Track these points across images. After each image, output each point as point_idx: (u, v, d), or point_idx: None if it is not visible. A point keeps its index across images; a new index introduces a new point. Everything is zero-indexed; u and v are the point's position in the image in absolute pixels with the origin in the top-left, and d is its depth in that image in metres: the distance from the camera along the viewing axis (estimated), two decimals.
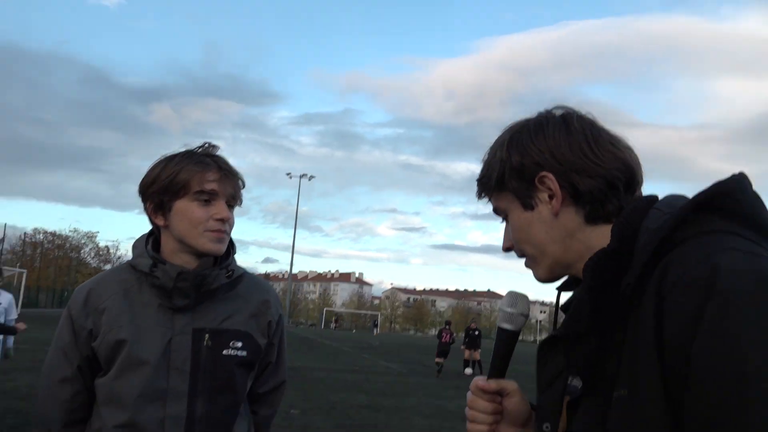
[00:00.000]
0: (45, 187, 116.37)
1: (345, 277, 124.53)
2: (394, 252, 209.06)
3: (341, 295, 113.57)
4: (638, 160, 0.98)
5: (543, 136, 0.96)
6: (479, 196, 1.05)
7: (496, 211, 1.04)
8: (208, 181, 1.53)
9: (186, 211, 1.54)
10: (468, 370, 17.59)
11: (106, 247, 64.61)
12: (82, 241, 61.43)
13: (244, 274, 1.69)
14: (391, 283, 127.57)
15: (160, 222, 1.58)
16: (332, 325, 68.37)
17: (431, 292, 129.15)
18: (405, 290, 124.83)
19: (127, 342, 1.53)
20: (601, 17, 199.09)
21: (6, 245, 46.51)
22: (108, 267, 63.02)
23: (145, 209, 1.60)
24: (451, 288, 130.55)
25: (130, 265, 1.61)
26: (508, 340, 1.08)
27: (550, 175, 0.94)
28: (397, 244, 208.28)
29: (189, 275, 1.53)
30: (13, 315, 7.11)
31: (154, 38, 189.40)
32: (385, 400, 11.02)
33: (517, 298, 1.09)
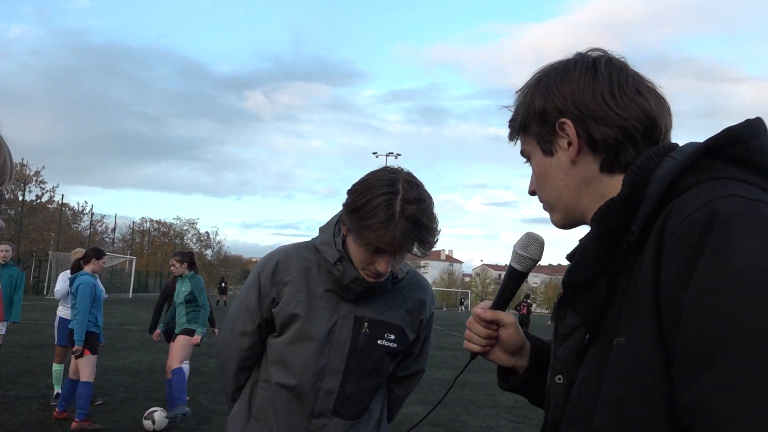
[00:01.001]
0: (150, 177, 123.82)
1: (435, 255, 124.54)
2: (484, 228, 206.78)
3: (431, 273, 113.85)
4: (666, 108, 0.96)
5: (568, 81, 0.95)
6: (510, 137, 1.06)
7: (523, 153, 1.05)
8: (382, 242, 1.56)
9: (355, 248, 1.64)
10: None
11: (207, 233, 68.12)
12: (185, 228, 65.10)
13: (408, 273, 1.81)
14: (482, 260, 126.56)
15: (344, 231, 1.69)
16: None
17: None
18: (496, 267, 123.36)
19: (300, 317, 1.72)
20: None
21: (117, 234, 50.02)
22: (209, 252, 66.26)
23: (341, 216, 1.69)
24: (543, 263, 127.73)
25: (314, 246, 1.77)
26: (514, 278, 1.15)
27: (569, 122, 0.94)
28: (486, 220, 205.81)
29: (362, 283, 1.68)
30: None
31: (244, 26, 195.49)
32: (471, 376, 11.09)
33: (530, 242, 1.12)
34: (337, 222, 1.76)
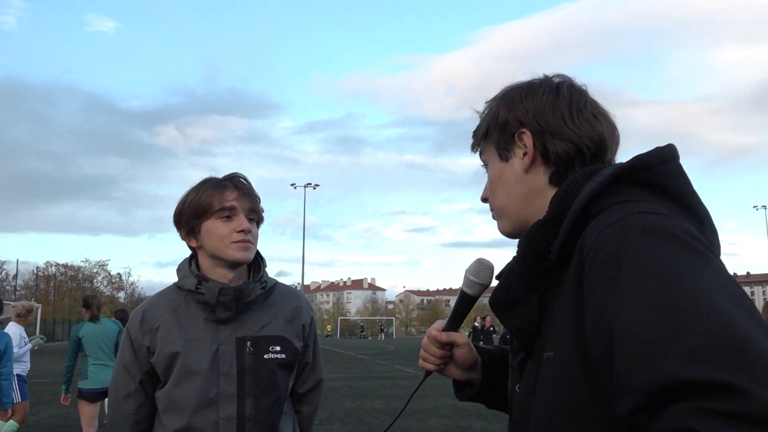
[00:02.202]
0: (55, 219, 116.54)
1: (357, 284, 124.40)
2: (405, 254, 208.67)
3: (355, 302, 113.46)
4: (616, 136, 1.03)
5: (532, 97, 1.02)
6: (473, 148, 1.12)
7: (482, 157, 1.11)
8: (227, 200, 1.74)
9: (212, 229, 1.74)
10: None
11: (119, 274, 64.84)
12: (94, 270, 61.77)
13: (276, 285, 1.87)
14: (404, 286, 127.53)
15: (194, 244, 1.80)
16: (362, 334, 70.57)
17: (445, 291, 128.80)
18: (418, 292, 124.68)
19: (180, 354, 1.71)
20: None
21: (19, 281, 46.84)
22: (121, 294, 63.12)
23: (180, 236, 1.82)
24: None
25: (176, 286, 1.81)
26: (466, 302, 1.19)
27: (528, 133, 1.01)
28: (407, 246, 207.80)
29: (229, 290, 1.72)
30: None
31: (153, 60, 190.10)
32: (401, 404, 11.10)
33: (480, 269, 1.17)
34: (189, 258, 1.84)
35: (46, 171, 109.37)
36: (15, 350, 6.37)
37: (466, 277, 1.18)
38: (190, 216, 1.76)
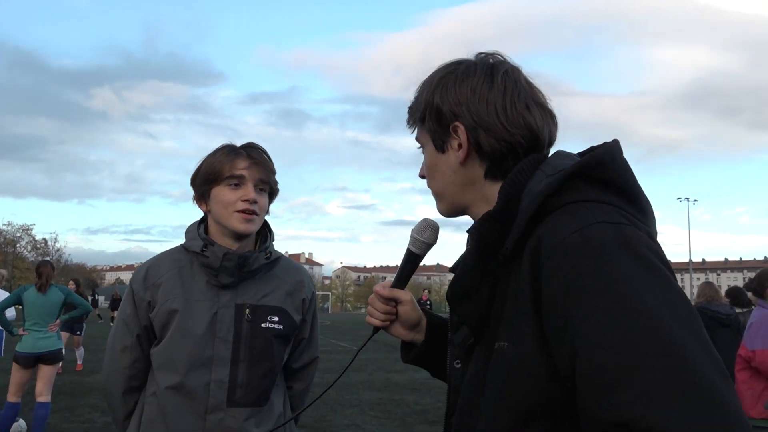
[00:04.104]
0: None
1: (294, 258, 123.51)
2: (344, 230, 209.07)
3: None
4: (550, 122, 1.03)
5: (466, 86, 1.00)
6: (408, 123, 1.12)
7: (418, 140, 1.12)
8: (237, 168, 1.74)
9: (219, 195, 1.75)
10: None
11: (44, 239, 62.27)
12: (18, 235, 59.09)
13: (280, 257, 1.89)
14: (341, 262, 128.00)
15: (204, 208, 1.81)
16: None
17: (382, 269, 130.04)
18: (355, 268, 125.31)
19: (178, 312, 1.72)
20: None
21: None
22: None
23: (193, 198, 1.83)
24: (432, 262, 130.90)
25: (183, 247, 1.83)
26: (412, 260, 1.23)
27: (462, 127, 1.00)
28: (347, 222, 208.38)
29: (233, 256, 1.73)
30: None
31: (89, 18, 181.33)
32: (334, 377, 11.21)
33: (425, 228, 1.21)
34: (198, 221, 1.85)
35: None
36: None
37: (411, 235, 1.21)
38: (203, 180, 1.77)
